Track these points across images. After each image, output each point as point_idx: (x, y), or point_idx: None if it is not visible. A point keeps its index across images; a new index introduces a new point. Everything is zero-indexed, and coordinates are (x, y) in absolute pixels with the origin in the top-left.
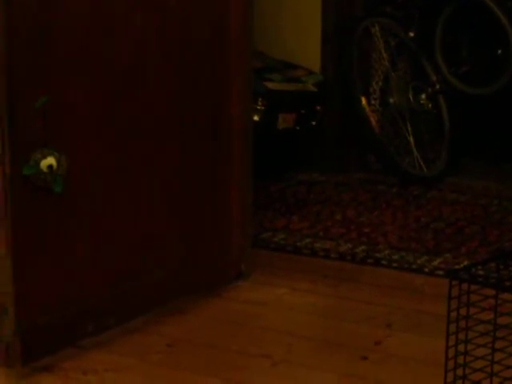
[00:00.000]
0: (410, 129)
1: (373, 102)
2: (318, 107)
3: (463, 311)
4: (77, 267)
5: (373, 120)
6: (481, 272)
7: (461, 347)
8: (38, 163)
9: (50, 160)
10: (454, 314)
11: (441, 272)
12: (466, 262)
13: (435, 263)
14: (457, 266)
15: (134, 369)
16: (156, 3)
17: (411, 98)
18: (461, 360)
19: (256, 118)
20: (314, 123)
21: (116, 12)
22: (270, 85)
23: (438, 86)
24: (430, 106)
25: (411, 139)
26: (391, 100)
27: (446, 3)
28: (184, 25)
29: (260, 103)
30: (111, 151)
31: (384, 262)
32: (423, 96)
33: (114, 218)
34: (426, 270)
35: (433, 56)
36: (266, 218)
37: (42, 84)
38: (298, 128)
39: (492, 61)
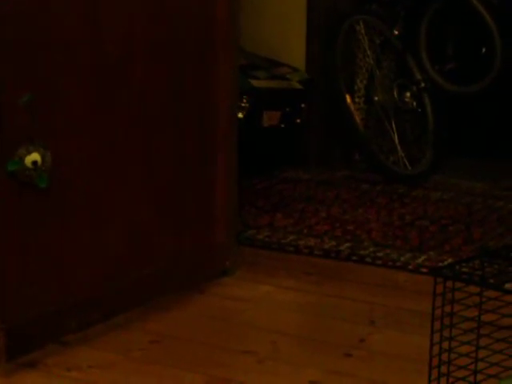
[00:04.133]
0: (394, 127)
1: (357, 99)
2: (303, 105)
3: (447, 308)
4: (61, 264)
5: (357, 118)
6: (465, 269)
7: (445, 344)
8: (22, 159)
9: (35, 156)
10: (438, 312)
11: (425, 269)
12: (449, 260)
13: (419, 261)
14: (441, 264)
15: (117, 365)
16: (144, 1)
17: (396, 96)
18: (445, 357)
19: (241, 115)
20: (298, 121)
21: (104, 7)
22: (255, 82)
23: (422, 84)
24: (414, 104)
25: (396, 137)
26: (376, 98)
27: (430, 1)
28: (171, 21)
29: (245, 101)
30: (98, 147)
31: (368, 260)
32: (408, 94)
33: (100, 214)
34: (410, 267)
35: (418, 54)
36: (251, 216)
37: (29, 79)
38: (282, 126)
39: (477, 59)
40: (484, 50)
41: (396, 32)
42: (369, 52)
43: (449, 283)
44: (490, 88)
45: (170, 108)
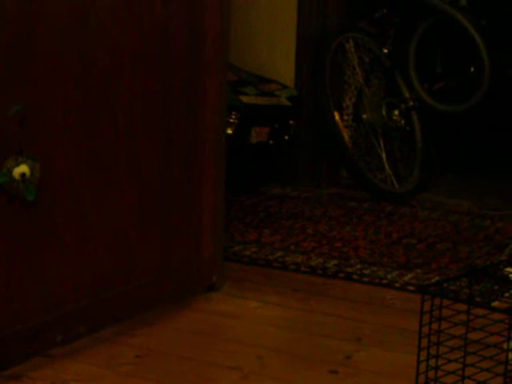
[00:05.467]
0: (382, 145)
1: (346, 117)
2: (292, 121)
3: (435, 326)
4: (47, 277)
5: (345, 136)
6: (452, 287)
7: (432, 362)
8: (10, 171)
9: (23, 168)
10: (425, 329)
11: (411, 287)
12: (436, 278)
13: (406, 278)
14: (427, 282)
15: (102, 379)
16: (133, 14)
17: (384, 114)
18: (432, 375)
19: (229, 131)
20: (287, 137)
21: (92, 20)
22: (244, 98)
23: (411, 103)
24: (402, 122)
25: (384, 155)
26: (364, 116)
27: (420, 20)
28: (160, 37)
29: (233, 117)
30: (86, 159)
31: (355, 277)
32: (396, 112)
33: (88, 228)
34: (397, 284)
35: (406, 72)
36: (238, 231)
37: (18, 90)
38: (271, 142)
39: (465, 78)
40: (472, 69)
41: (385, 50)
42: (358, 70)
43: (436, 301)
44: (478, 107)
45: (158, 122)
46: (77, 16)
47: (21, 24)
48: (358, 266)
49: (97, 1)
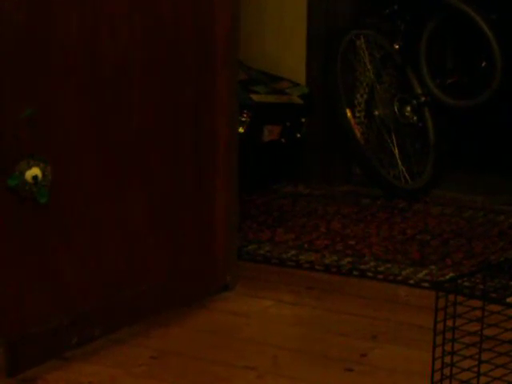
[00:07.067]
0: (395, 141)
1: (358, 114)
2: (304, 119)
3: (449, 323)
4: (62, 279)
5: (358, 132)
6: (467, 284)
7: (447, 359)
8: (23, 174)
9: (35, 170)
10: (440, 326)
11: (426, 284)
12: (451, 274)
13: (420, 275)
14: (442, 278)
15: (118, 381)
16: (142, 14)
17: (396, 110)
18: (447, 372)
19: (241, 130)
20: (299, 135)
21: (102, 23)
22: (255, 97)
23: (423, 99)
24: (415, 118)
25: (396, 151)
26: (376, 112)
27: (431, 15)
28: (170, 36)
29: (245, 115)
30: (97, 161)
31: (369, 274)
32: (408, 108)
33: (100, 229)
34: (412, 281)
35: (418, 68)
36: (251, 230)
37: (29, 94)
38: (283, 140)
39: (477, 73)
40: (484, 63)
41: (396, 46)
42: (369, 66)
43: (451, 297)
44: (490, 102)
45: (169, 122)
46: (86, 21)
47: (31, 29)
48: (372, 264)
49: (107, 6)
